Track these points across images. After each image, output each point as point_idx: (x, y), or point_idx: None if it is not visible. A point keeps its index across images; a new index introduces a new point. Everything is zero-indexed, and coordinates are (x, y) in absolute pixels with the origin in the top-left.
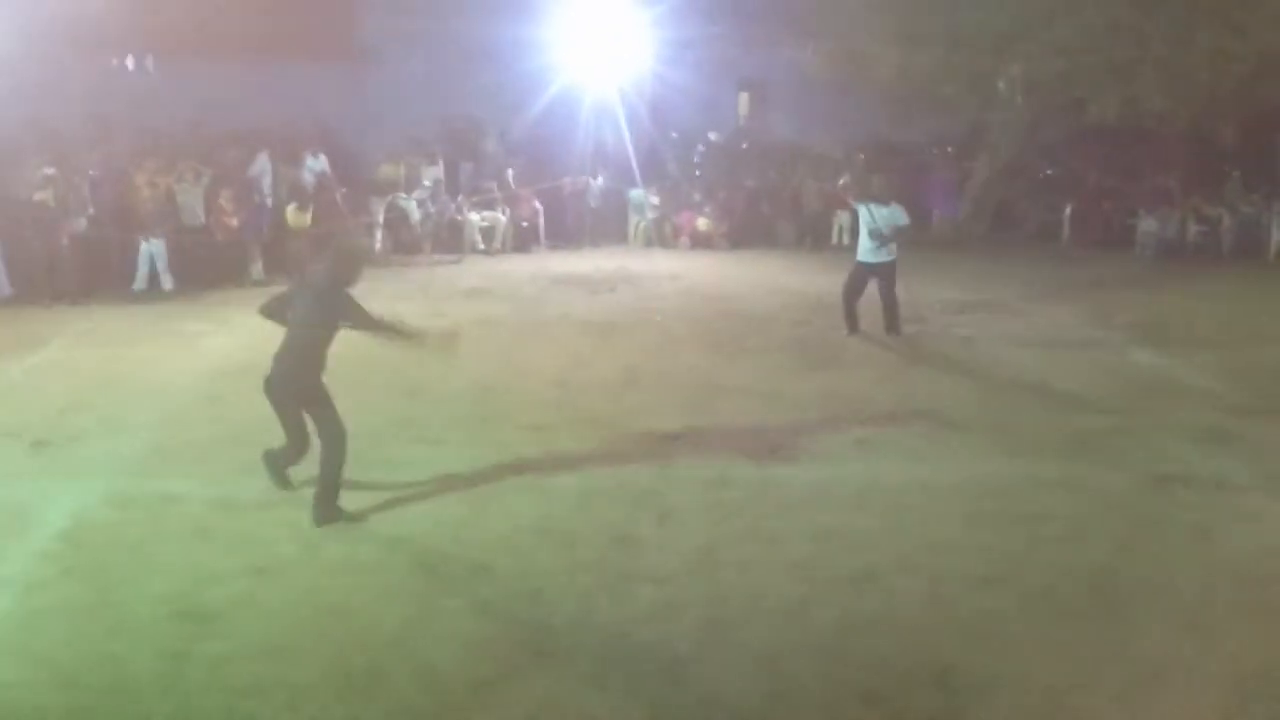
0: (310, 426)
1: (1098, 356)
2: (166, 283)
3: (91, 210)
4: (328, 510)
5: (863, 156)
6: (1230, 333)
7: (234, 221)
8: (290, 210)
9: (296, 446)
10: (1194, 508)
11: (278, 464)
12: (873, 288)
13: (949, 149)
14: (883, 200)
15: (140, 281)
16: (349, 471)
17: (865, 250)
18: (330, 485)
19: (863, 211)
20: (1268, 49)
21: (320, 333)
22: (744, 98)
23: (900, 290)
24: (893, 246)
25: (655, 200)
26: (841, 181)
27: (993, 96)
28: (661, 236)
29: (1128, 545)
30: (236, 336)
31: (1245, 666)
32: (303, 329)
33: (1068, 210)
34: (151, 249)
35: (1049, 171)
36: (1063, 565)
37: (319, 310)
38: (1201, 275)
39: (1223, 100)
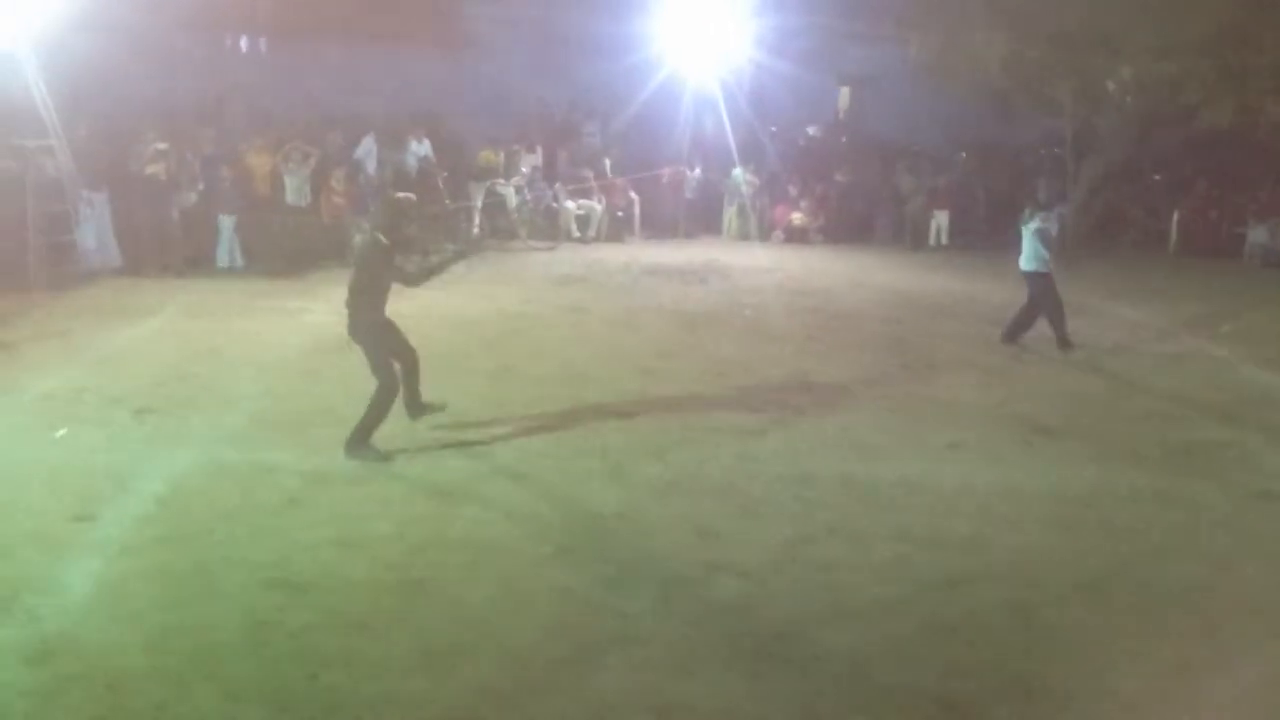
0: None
1: (1200, 367)
2: (237, 259)
3: (202, 186)
4: (359, 446)
5: (964, 155)
6: None
7: (342, 201)
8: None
9: (407, 367)
10: None
11: (414, 401)
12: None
13: (1055, 150)
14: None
15: (222, 259)
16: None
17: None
18: (369, 423)
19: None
20: None
21: (363, 276)
22: (845, 92)
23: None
24: (1044, 258)
25: (754, 179)
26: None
27: (1101, 98)
28: (757, 229)
29: (1225, 562)
30: (335, 314)
31: None
32: (355, 272)
33: (1175, 217)
34: (226, 225)
35: (1157, 177)
36: (1155, 580)
37: (361, 256)
38: None
39: None
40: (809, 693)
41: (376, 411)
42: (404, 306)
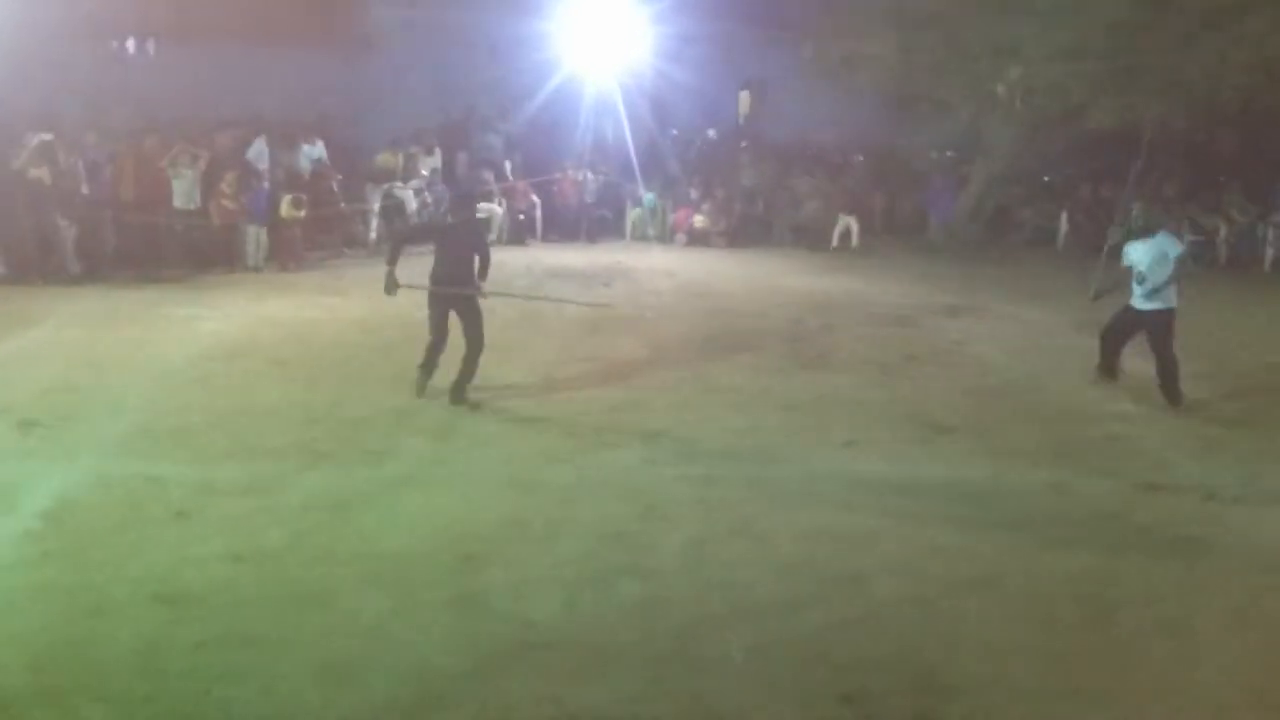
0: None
1: (1088, 363)
2: (72, 266)
3: (86, 190)
4: (460, 395)
5: (861, 158)
6: (1223, 343)
7: (232, 205)
8: (285, 202)
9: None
10: (1183, 517)
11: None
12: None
13: (948, 153)
14: (1147, 230)
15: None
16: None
17: (1135, 293)
18: (467, 375)
19: (1127, 255)
20: (1268, 57)
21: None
22: (744, 96)
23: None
24: (1169, 292)
25: (661, 201)
26: (1109, 243)
27: (991, 101)
28: (659, 233)
29: (1114, 553)
30: (227, 321)
31: (1229, 678)
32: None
33: (1064, 216)
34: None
35: (1046, 178)
36: (1048, 571)
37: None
38: (1196, 285)
39: (1221, 109)
40: (712, 693)
41: (472, 363)
42: (301, 313)
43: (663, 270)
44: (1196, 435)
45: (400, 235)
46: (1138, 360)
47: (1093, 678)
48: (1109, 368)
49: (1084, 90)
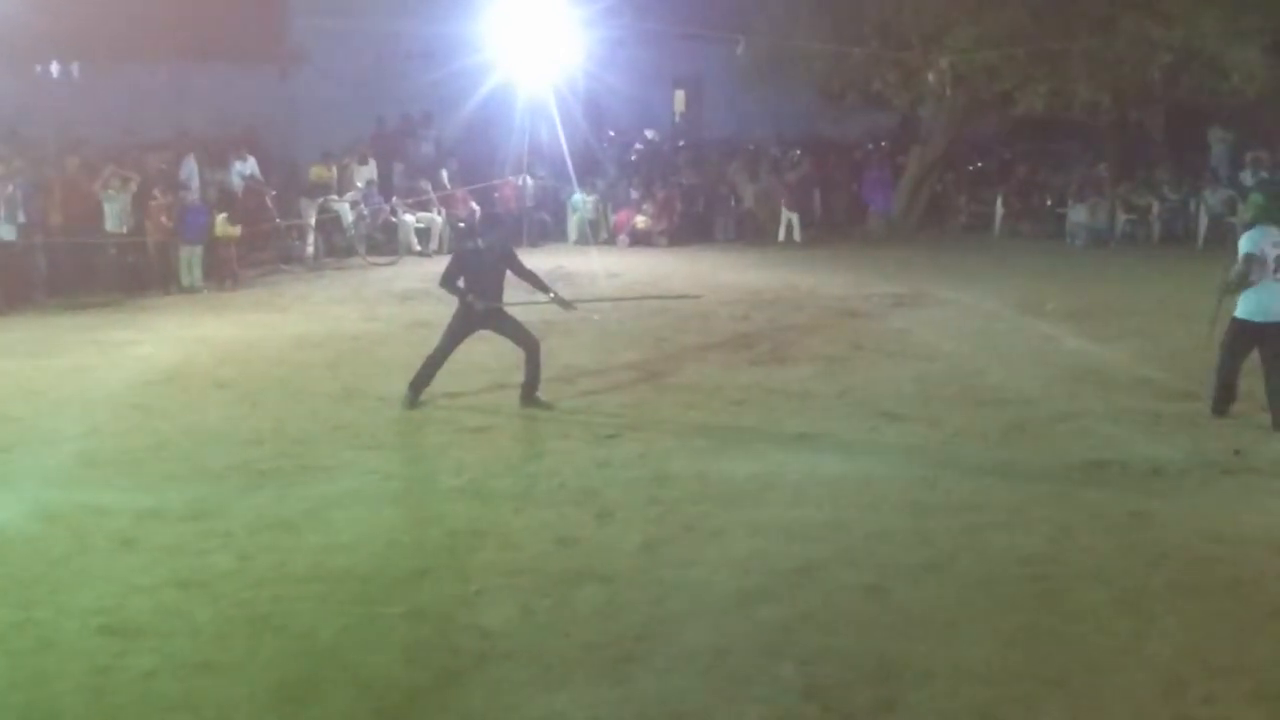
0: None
1: (1031, 345)
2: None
3: (23, 219)
4: (531, 397)
5: (799, 152)
6: (1160, 319)
7: (167, 225)
8: (219, 219)
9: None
10: (1130, 492)
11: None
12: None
13: (883, 144)
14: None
15: None
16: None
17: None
18: (535, 378)
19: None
20: (1192, 37)
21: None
22: (679, 95)
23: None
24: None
25: (591, 199)
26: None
27: (923, 91)
28: (600, 235)
29: (1065, 531)
30: (165, 344)
31: (1181, 648)
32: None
33: (999, 201)
34: None
35: (980, 164)
36: (1001, 553)
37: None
38: (1131, 263)
39: (1149, 90)
40: (673, 692)
41: (537, 366)
42: (240, 332)
43: (606, 272)
44: (1140, 411)
45: (449, 279)
46: (1080, 341)
47: (1048, 657)
48: (1226, 397)
49: (1013, 76)
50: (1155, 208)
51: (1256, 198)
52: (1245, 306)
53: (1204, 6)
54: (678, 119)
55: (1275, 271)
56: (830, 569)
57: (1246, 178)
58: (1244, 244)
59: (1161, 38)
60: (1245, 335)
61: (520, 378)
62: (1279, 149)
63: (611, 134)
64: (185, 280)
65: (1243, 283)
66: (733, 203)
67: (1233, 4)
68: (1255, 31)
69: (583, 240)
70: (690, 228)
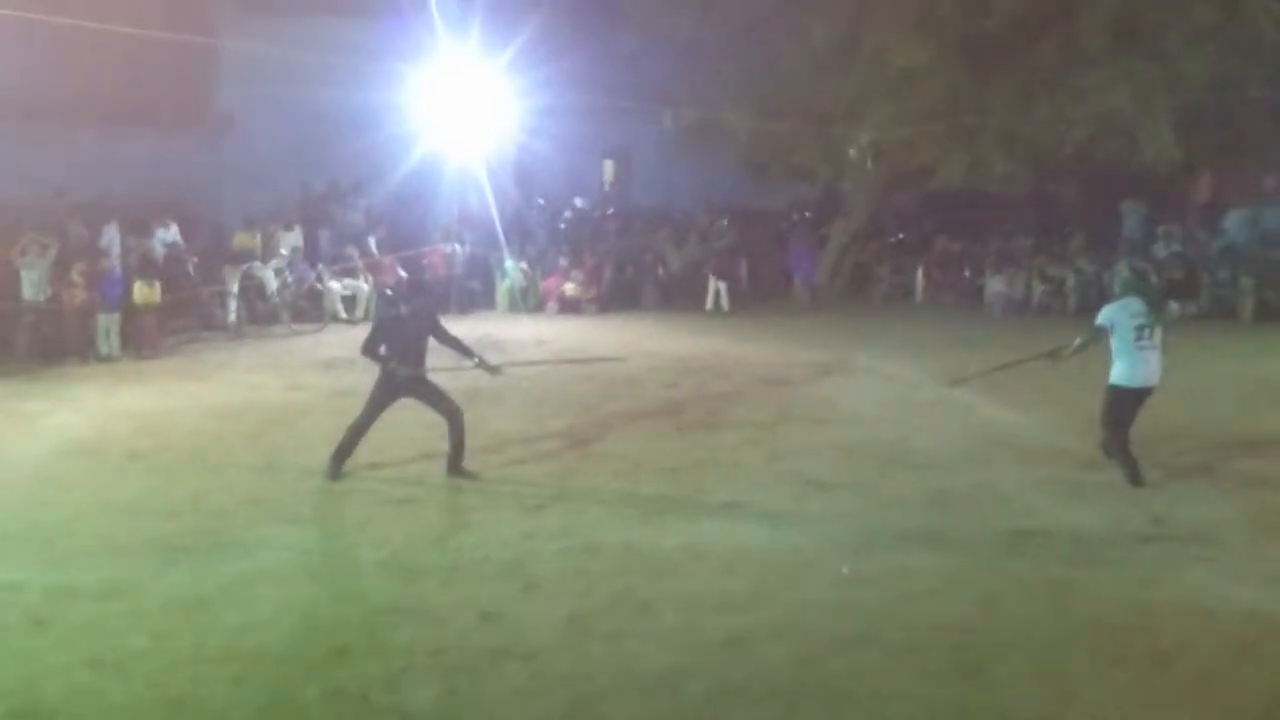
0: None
1: (953, 414)
2: None
3: None
4: (458, 468)
5: (725, 222)
6: (1076, 389)
7: (84, 294)
8: (138, 286)
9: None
10: (1052, 562)
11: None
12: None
13: (807, 214)
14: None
15: None
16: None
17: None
18: (460, 448)
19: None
20: (1104, 113)
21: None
22: (609, 165)
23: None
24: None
25: (524, 266)
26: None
27: (845, 164)
28: (529, 302)
29: (990, 600)
30: (81, 414)
31: (1102, 718)
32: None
33: (919, 271)
34: None
35: (901, 235)
36: (927, 622)
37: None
38: (1047, 333)
39: (1063, 163)
40: None
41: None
42: (158, 402)
43: (534, 339)
44: (1059, 480)
45: (370, 346)
46: (999, 410)
47: None
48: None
49: (932, 150)
50: (1071, 279)
51: (1122, 270)
52: (1117, 374)
53: (1117, 84)
54: (607, 188)
55: (1137, 341)
56: (758, 641)
57: (1159, 249)
58: (1100, 315)
59: (1074, 114)
60: (1124, 400)
61: (447, 447)
62: (1189, 221)
63: (541, 202)
64: (103, 349)
65: (1081, 351)
66: (660, 271)
67: (1144, 83)
68: (1166, 109)
69: (512, 307)
70: (619, 295)
